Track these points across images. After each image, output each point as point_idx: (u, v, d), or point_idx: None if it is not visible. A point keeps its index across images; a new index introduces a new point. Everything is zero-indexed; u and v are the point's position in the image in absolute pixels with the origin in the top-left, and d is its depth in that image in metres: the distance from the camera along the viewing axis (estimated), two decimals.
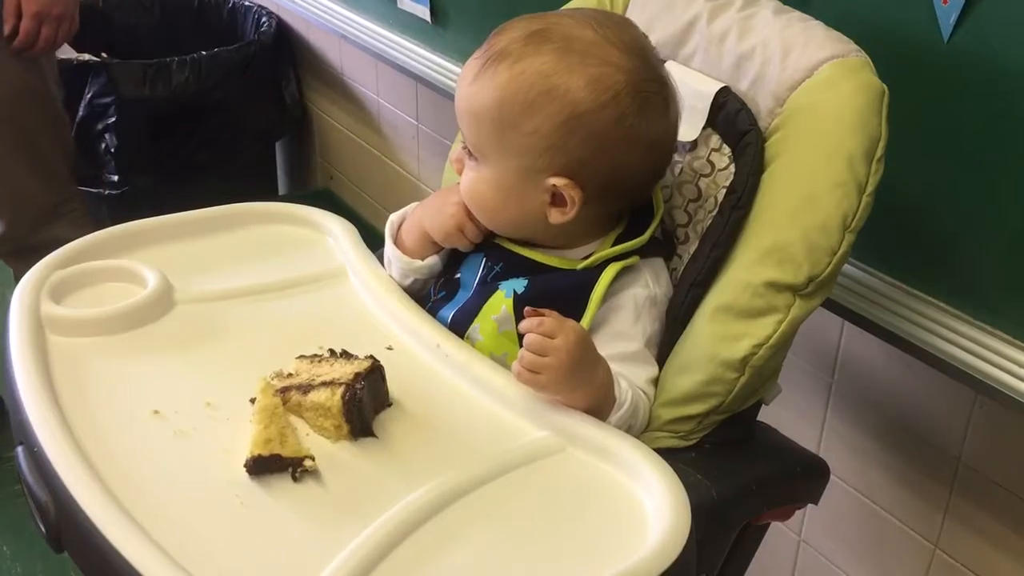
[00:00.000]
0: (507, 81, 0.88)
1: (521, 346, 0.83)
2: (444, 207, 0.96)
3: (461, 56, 1.65)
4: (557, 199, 0.90)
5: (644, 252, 0.94)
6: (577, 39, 0.88)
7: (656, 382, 0.93)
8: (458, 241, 0.97)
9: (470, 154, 0.93)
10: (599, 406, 0.85)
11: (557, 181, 0.89)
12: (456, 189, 0.96)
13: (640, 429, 0.91)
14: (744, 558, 0.99)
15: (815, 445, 1.30)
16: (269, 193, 2.54)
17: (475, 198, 0.94)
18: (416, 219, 1.00)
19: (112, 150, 2.19)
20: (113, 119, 2.20)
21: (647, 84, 0.89)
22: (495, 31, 0.92)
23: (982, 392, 1.02)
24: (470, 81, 0.90)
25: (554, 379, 0.83)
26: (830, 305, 1.11)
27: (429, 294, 1.00)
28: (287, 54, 2.44)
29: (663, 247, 0.97)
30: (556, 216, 0.91)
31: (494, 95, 0.88)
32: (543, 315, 0.83)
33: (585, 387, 0.84)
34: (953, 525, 1.17)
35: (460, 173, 0.96)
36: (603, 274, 0.91)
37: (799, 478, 0.97)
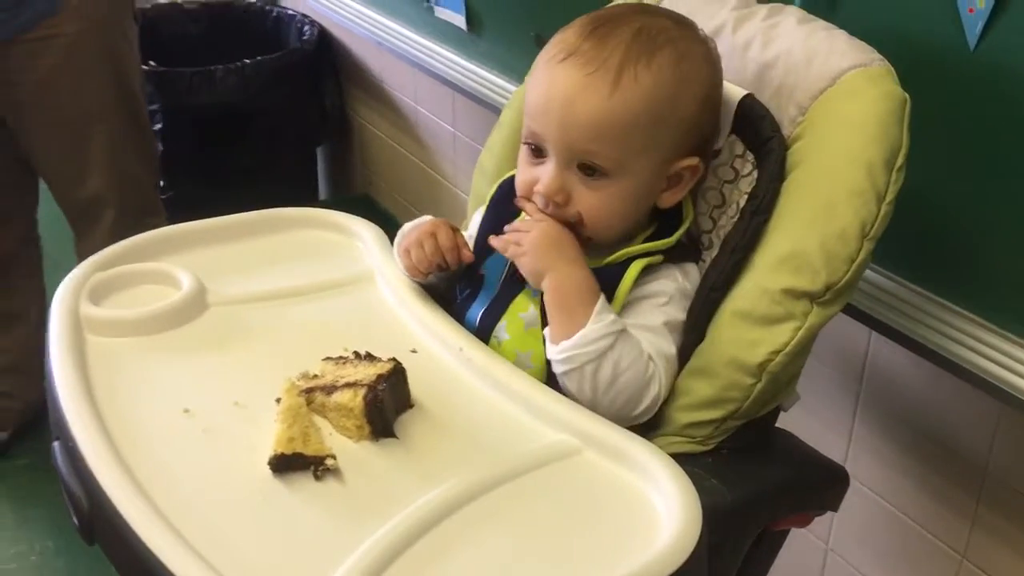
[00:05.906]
0: (652, 82, 0.88)
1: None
2: (408, 251, 0.99)
3: (497, 64, 1.66)
4: (672, 181, 0.93)
5: (673, 256, 0.94)
6: (666, 27, 0.91)
7: (673, 363, 0.92)
8: (435, 265, 0.98)
9: (591, 174, 0.90)
10: (565, 298, 0.89)
11: (689, 162, 0.92)
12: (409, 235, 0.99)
13: (639, 386, 0.89)
14: (762, 564, 0.99)
15: (842, 454, 1.29)
16: (310, 198, 2.58)
17: (609, 214, 0.92)
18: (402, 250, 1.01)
19: (158, 156, 2.25)
20: (159, 126, 2.25)
21: (712, 42, 0.95)
22: (585, 41, 0.89)
23: (1008, 403, 1.01)
24: (607, 96, 0.87)
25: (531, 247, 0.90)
26: (857, 315, 1.10)
27: (455, 294, 1.02)
28: (328, 62, 2.48)
29: (691, 252, 0.97)
30: (669, 199, 0.94)
31: (645, 95, 0.88)
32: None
33: (555, 269, 0.90)
34: (980, 535, 1.16)
35: (561, 205, 0.91)
36: (628, 270, 0.92)
37: (817, 485, 0.97)
